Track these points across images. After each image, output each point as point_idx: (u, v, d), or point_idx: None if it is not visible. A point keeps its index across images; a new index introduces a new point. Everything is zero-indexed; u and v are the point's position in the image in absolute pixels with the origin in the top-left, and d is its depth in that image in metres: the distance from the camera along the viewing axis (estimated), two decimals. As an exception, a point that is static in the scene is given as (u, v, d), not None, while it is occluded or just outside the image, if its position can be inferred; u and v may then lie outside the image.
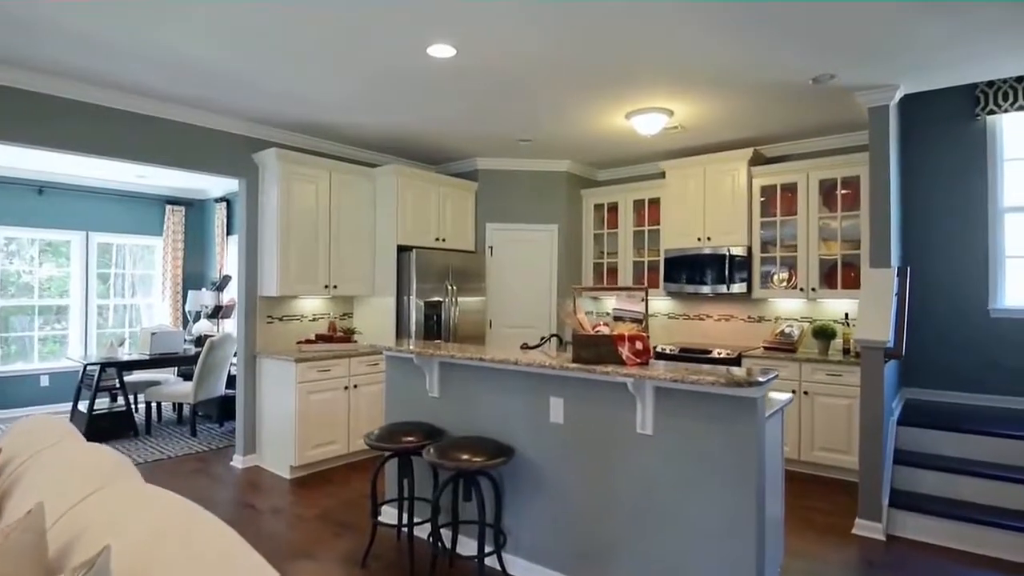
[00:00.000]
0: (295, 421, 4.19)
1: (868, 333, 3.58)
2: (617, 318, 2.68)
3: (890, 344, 3.55)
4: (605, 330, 2.60)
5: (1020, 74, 3.66)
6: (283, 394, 4.31)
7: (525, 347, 3.14)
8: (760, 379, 2.21)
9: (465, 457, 2.65)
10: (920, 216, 4.84)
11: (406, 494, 3.37)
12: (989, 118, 4.54)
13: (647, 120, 4.27)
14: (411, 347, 3.19)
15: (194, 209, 7.48)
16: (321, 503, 3.89)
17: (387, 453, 3.05)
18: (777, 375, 2.39)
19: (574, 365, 2.52)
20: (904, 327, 3.82)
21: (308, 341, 4.57)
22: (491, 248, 5.70)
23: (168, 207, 7.15)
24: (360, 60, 3.35)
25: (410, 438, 3.01)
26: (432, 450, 2.72)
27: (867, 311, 3.67)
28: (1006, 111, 4.37)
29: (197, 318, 6.71)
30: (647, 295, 2.62)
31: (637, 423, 2.52)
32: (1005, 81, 4.37)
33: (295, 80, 3.68)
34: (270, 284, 4.44)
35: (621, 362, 2.50)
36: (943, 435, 3.95)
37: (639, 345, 2.47)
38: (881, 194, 3.87)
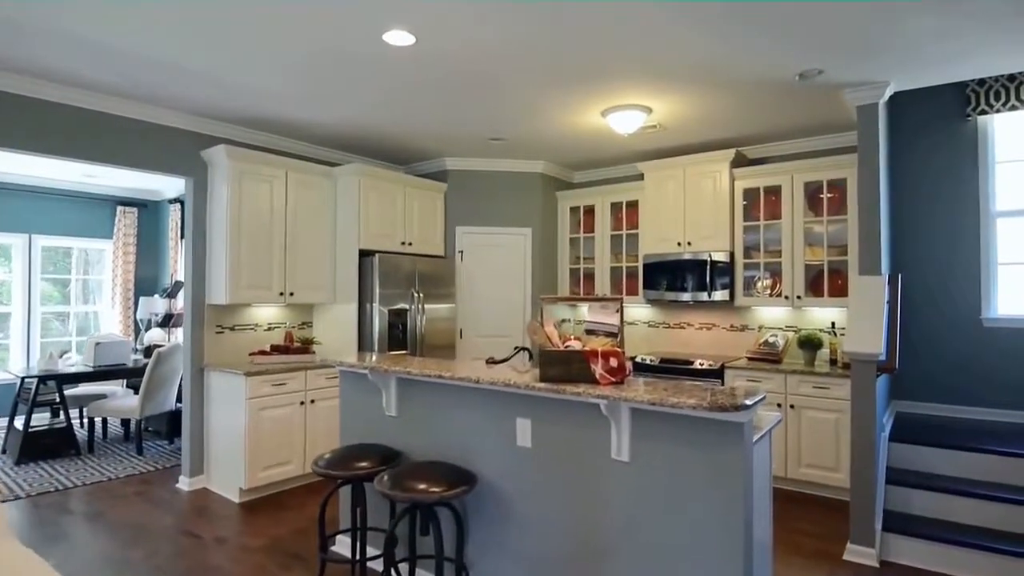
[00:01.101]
0: (245, 440, 3.85)
1: (859, 345, 3.36)
2: (589, 332, 2.41)
3: (882, 357, 3.33)
4: (576, 345, 2.32)
5: (1012, 72, 3.49)
6: (232, 410, 3.96)
7: (491, 361, 2.85)
8: (747, 402, 1.95)
9: (422, 487, 2.34)
10: (908, 221, 4.66)
11: (361, 524, 3.05)
12: (980, 118, 4.38)
13: (624, 118, 4.02)
14: (365, 362, 2.88)
15: (147, 210, 7.06)
16: (271, 531, 3.54)
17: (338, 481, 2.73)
18: (764, 397, 2.14)
19: (541, 385, 2.23)
20: (897, 339, 3.61)
21: (261, 353, 4.22)
22: (461, 253, 5.40)
23: (119, 208, 6.73)
24: (311, 47, 3.04)
25: (363, 463, 2.70)
26: (386, 478, 2.42)
27: (857, 321, 3.45)
28: (998, 111, 4.21)
29: (149, 327, 6.30)
30: (623, 306, 2.35)
31: (612, 448, 2.25)
32: (997, 80, 4.21)
33: (243, 70, 3.35)
34: (219, 291, 4.09)
35: (594, 381, 2.22)
36: (936, 452, 3.74)
37: (614, 362, 2.20)
38: (870, 197, 3.66)
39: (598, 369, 2.20)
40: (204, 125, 4.23)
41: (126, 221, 6.68)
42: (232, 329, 4.34)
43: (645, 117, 4.06)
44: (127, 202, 6.80)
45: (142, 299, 6.38)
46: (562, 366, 2.24)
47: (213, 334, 4.23)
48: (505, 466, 2.57)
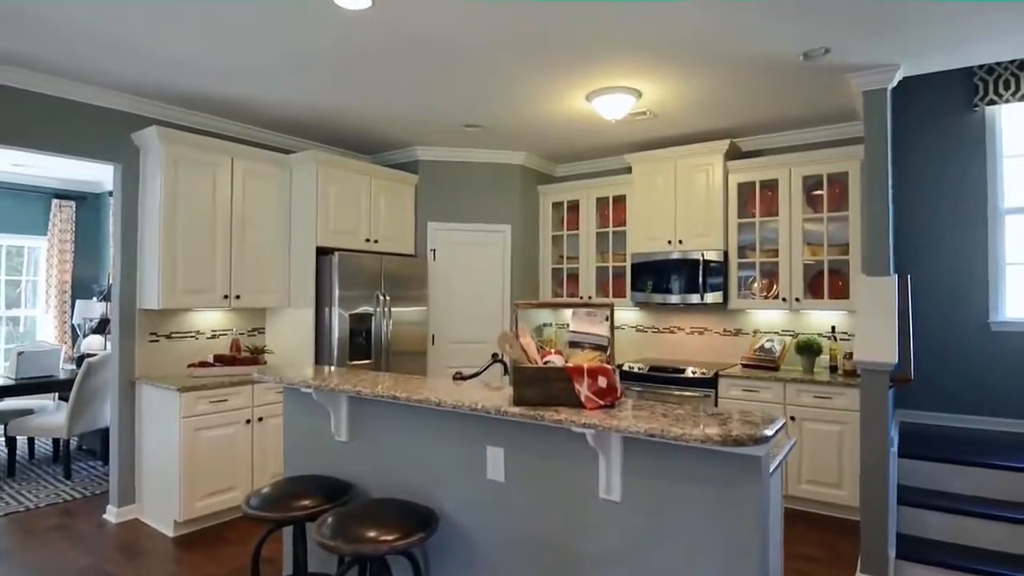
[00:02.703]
0: (178, 465, 3.36)
1: (870, 353, 3.01)
2: (573, 344, 1.99)
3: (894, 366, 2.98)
4: (557, 360, 1.91)
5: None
6: (165, 431, 3.47)
7: (459, 377, 2.42)
8: (767, 432, 1.55)
9: (371, 535, 1.91)
10: (910, 218, 4.35)
11: (304, 571, 2.59)
12: (988, 109, 4.07)
13: (611, 102, 3.63)
14: (309, 376, 2.43)
15: (86, 204, 6.44)
16: (206, 571, 3.07)
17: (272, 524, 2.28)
18: (784, 423, 1.74)
19: (514, 409, 1.81)
20: (911, 346, 3.27)
21: (202, 364, 3.73)
22: (434, 251, 4.96)
23: (55, 202, 6.13)
24: (253, 10, 2.59)
25: (304, 501, 2.25)
26: (329, 521, 1.98)
27: (867, 327, 3.10)
28: (1007, 101, 3.90)
29: (88, 333, 5.73)
30: (613, 314, 1.94)
31: (600, 485, 1.84)
32: (1007, 68, 3.91)
33: (178, 40, 2.88)
34: (151, 294, 3.60)
35: (578, 404, 1.81)
36: (947, 468, 3.42)
37: (603, 382, 1.79)
38: (878, 191, 3.32)
39: (583, 390, 1.79)
40: (141, 105, 3.74)
41: (62, 216, 6.09)
42: (169, 337, 3.84)
43: (634, 102, 3.67)
44: (63, 195, 6.20)
45: (79, 302, 5.81)
46: (540, 386, 1.82)
47: (146, 343, 3.73)
48: (474, 503, 2.14)
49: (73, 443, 5.33)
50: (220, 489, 3.53)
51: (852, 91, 3.59)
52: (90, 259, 6.45)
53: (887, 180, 3.32)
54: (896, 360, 2.90)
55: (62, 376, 4.84)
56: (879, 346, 3.01)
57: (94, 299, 5.95)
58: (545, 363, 1.89)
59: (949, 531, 3.17)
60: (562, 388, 1.81)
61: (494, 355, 2.53)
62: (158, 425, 3.53)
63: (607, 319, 1.97)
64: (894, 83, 3.32)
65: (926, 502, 3.23)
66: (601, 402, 1.80)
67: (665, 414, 1.75)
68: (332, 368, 3.69)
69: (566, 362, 1.92)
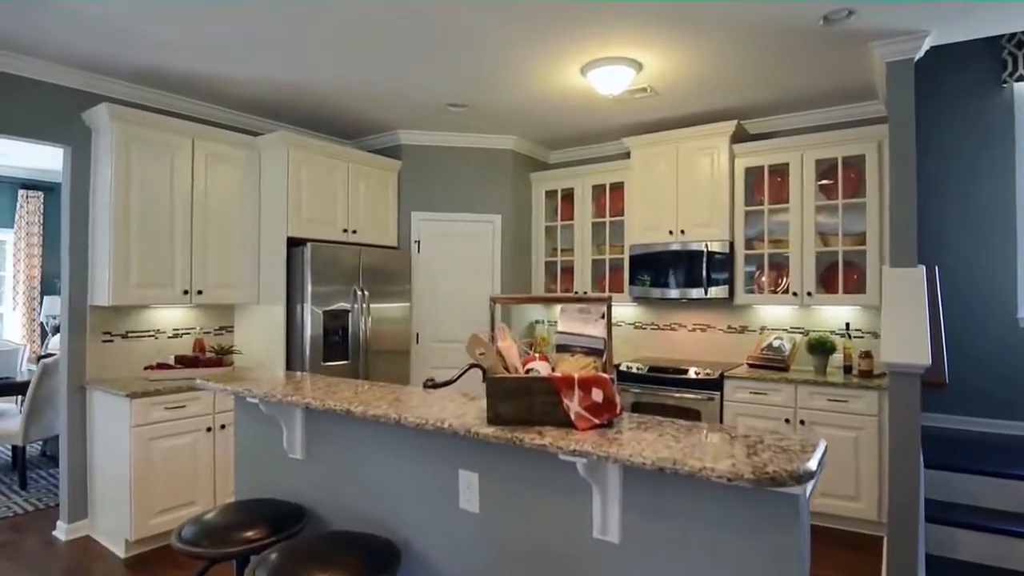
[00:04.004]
0: (129, 479, 3.03)
1: (899, 354, 2.69)
2: (562, 348, 1.66)
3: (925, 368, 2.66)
4: (542, 368, 1.58)
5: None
6: (117, 440, 3.14)
7: (431, 385, 2.09)
8: (809, 465, 1.23)
9: (319, 576, 1.59)
10: (932, 205, 4.02)
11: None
12: (1018, 85, 3.74)
13: (608, 75, 3.29)
14: (249, 386, 2.09)
15: (55, 195, 6.08)
16: (157, 598, 2.75)
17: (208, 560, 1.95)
18: (827, 448, 1.42)
19: (488, 430, 1.48)
20: (943, 345, 2.95)
21: (161, 366, 3.40)
22: (418, 243, 4.62)
23: (22, 192, 5.76)
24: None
25: (247, 532, 1.92)
26: (269, 562, 1.65)
27: (894, 324, 2.78)
28: (1041, 75, 3.57)
29: (55, 331, 5.39)
30: (610, 310, 1.61)
31: (595, 523, 1.51)
32: (1040, 39, 3.57)
33: (132, 6, 2.54)
34: (101, 290, 3.26)
35: (567, 423, 1.48)
36: (978, 479, 3.11)
37: (598, 395, 1.47)
38: (904, 172, 3.02)
39: (573, 406, 1.46)
40: (89, 81, 3.39)
41: (29, 207, 5.74)
42: (124, 336, 3.50)
43: (633, 75, 3.33)
44: (30, 185, 5.83)
45: (47, 299, 5.46)
46: (520, 400, 1.50)
47: (98, 343, 3.40)
48: (444, 537, 1.82)
49: (36, 450, 5.00)
50: (177, 504, 3.20)
51: (873, 64, 3.27)
52: (59, 253, 6.08)
53: (913, 160, 3.00)
54: (929, 361, 2.58)
55: (21, 378, 4.50)
56: (909, 345, 2.69)
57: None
58: (527, 371, 1.56)
59: (981, 551, 2.87)
60: (547, 403, 1.49)
61: (473, 362, 2.20)
62: (109, 433, 3.20)
63: (603, 317, 1.64)
64: (921, 53, 2.99)
65: (956, 519, 2.93)
66: (596, 420, 1.47)
67: (676, 436, 1.43)
68: (303, 372, 3.36)
69: (553, 370, 1.59)
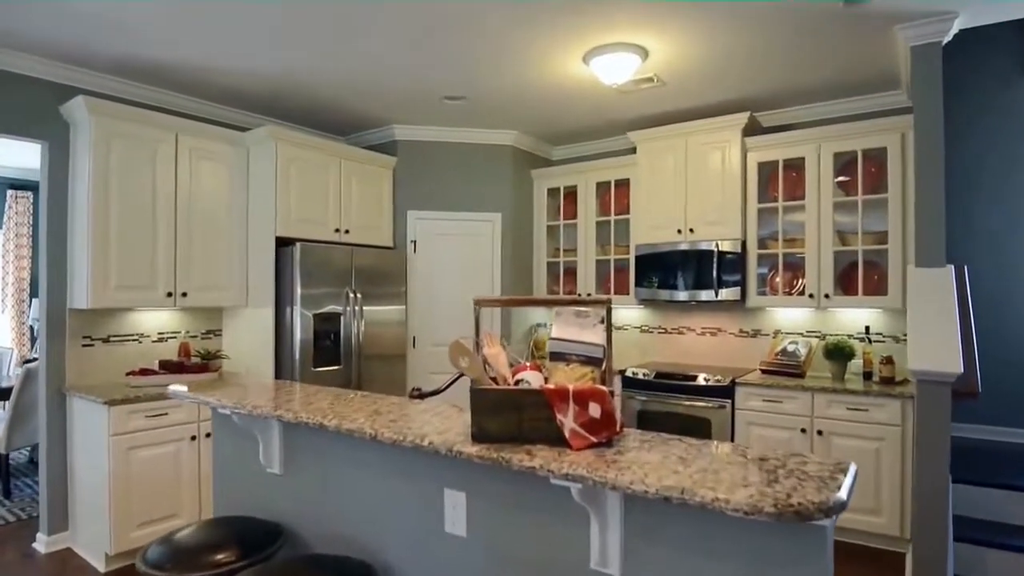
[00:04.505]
0: (108, 490, 2.87)
1: (928, 361, 2.49)
2: (557, 356, 1.48)
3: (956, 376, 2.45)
4: (533, 379, 1.39)
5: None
6: (95, 450, 2.98)
7: (417, 395, 1.92)
8: (841, 496, 1.04)
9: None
10: (961, 200, 3.81)
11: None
12: (1049, 74, 3.53)
13: (612, 63, 3.10)
14: (220, 396, 1.92)
15: (48, 195, 5.97)
16: (132, 619, 2.58)
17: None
18: (857, 472, 1.24)
19: (472, 449, 1.30)
20: (974, 351, 2.74)
21: (144, 371, 3.25)
22: (414, 243, 4.45)
23: (10, 192, 5.64)
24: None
25: (218, 555, 1.75)
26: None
27: (922, 328, 2.58)
28: (1075, 62, 3.36)
29: (45, 334, 5.26)
30: (610, 313, 1.42)
31: (592, 553, 1.33)
32: (1074, 23, 3.35)
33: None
34: (80, 293, 3.11)
35: (562, 441, 1.30)
36: (1009, 495, 2.89)
37: (595, 410, 1.28)
38: (931, 165, 2.82)
39: (567, 422, 1.28)
40: (68, 74, 3.25)
41: (19, 208, 5.62)
42: (106, 341, 3.35)
43: (639, 63, 3.15)
44: (20, 185, 5.71)
45: (35, 301, 5.34)
46: (507, 415, 1.32)
47: (79, 348, 3.25)
48: (428, 562, 1.64)
49: (24, 456, 4.87)
50: (160, 517, 3.04)
51: (897, 49, 3.07)
52: (46, 254, 5.96)
53: (941, 151, 2.81)
54: (961, 369, 2.38)
55: (7, 383, 4.37)
56: (939, 352, 2.49)
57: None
58: (517, 382, 1.38)
59: (1012, 573, 2.65)
60: (539, 418, 1.31)
61: (463, 369, 2.02)
62: (88, 443, 3.05)
63: (602, 321, 1.46)
64: (949, 37, 2.79)
65: (984, 538, 2.72)
66: (593, 438, 1.29)
67: (684, 458, 1.24)
68: (283, 381, 3.20)
69: (546, 381, 1.41)
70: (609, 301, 1.44)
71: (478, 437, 1.32)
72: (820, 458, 1.24)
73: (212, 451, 2.20)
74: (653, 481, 1.11)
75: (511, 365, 1.48)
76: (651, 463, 1.20)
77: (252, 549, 1.80)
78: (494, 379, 1.41)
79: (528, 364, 1.44)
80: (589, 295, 4.61)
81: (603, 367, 1.40)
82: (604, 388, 1.30)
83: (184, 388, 2.35)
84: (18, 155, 5.17)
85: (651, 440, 1.38)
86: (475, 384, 1.32)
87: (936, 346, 2.51)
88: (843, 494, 1.04)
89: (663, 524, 1.24)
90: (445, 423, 1.54)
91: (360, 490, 1.78)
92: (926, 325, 2.59)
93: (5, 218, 5.60)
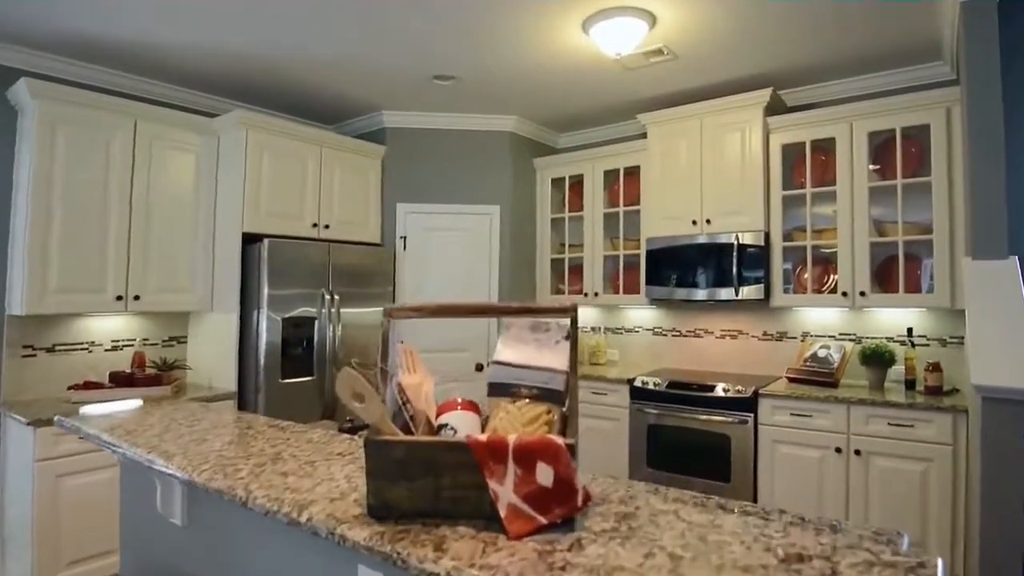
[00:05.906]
0: (32, 523, 2.54)
1: (995, 375, 2.04)
2: (499, 389, 1.07)
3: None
4: (461, 424, 0.99)
5: None
6: (22, 477, 2.66)
7: (347, 429, 1.52)
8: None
9: None
10: (1013, 184, 3.29)
11: None
12: None
13: (615, 29, 2.68)
14: (96, 429, 1.56)
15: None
16: (59, 671, 2.25)
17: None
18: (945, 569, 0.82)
19: (363, 532, 0.90)
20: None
21: (89, 385, 2.92)
22: (404, 239, 4.07)
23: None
24: None
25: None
26: None
27: (985, 333, 2.13)
28: None
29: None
30: (575, 322, 1.01)
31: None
32: None
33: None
34: (17, 297, 2.80)
35: (496, 522, 0.89)
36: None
37: (546, 475, 0.87)
38: (989, 140, 2.39)
39: (505, 493, 0.87)
40: (13, 56, 2.94)
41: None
42: (50, 350, 3.03)
43: (646, 31, 2.72)
44: None
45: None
46: (421, 481, 0.92)
47: (18, 358, 2.93)
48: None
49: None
50: (92, 554, 2.69)
51: (943, 9, 2.60)
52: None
53: (1000, 125, 2.36)
54: (1035, 384, 1.92)
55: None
56: (1009, 362, 2.03)
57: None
58: (437, 429, 0.98)
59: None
60: (464, 485, 0.90)
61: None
62: (19, 468, 2.73)
63: (567, 337, 1.05)
64: (1008, -9, 2.32)
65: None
66: (541, 519, 0.87)
67: (676, 553, 0.82)
68: (258, 392, 2.85)
69: (486, 427, 1.00)
70: (575, 307, 1.03)
71: (376, 511, 0.92)
72: (887, 549, 0.82)
73: (120, 493, 1.84)
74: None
75: (444, 399, 1.07)
76: (627, 567, 0.79)
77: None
78: (412, 420, 1.01)
79: (460, 400, 1.03)
80: (596, 294, 4.20)
81: (564, 405, 0.99)
82: (560, 441, 0.89)
83: (104, 409, 2.01)
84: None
85: (630, 516, 0.97)
86: (373, 432, 0.92)
87: (1005, 355, 2.05)
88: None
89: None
90: (347, 483, 1.14)
91: (263, 556, 1.40)
92: (989, 329, 2.14)
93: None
